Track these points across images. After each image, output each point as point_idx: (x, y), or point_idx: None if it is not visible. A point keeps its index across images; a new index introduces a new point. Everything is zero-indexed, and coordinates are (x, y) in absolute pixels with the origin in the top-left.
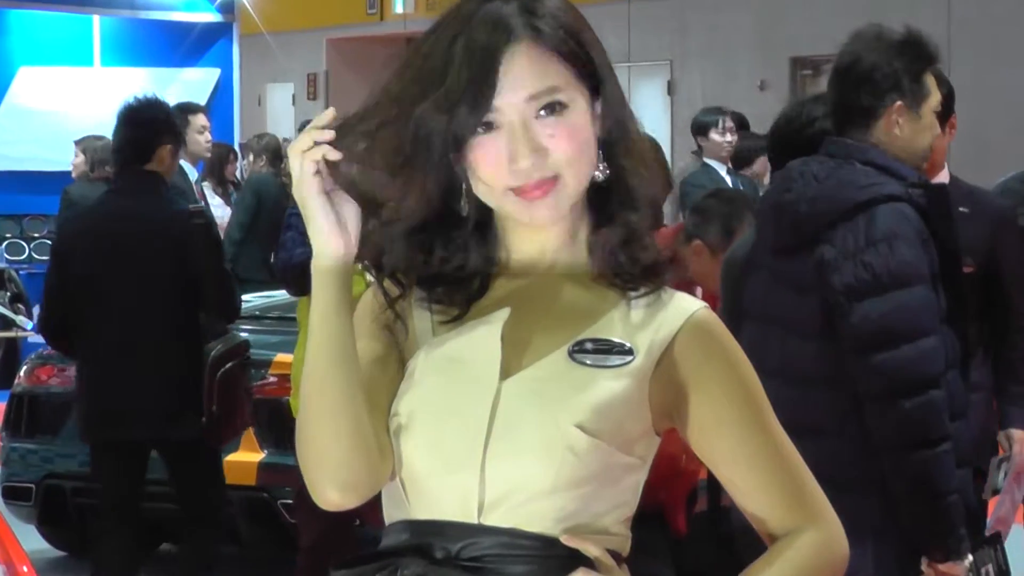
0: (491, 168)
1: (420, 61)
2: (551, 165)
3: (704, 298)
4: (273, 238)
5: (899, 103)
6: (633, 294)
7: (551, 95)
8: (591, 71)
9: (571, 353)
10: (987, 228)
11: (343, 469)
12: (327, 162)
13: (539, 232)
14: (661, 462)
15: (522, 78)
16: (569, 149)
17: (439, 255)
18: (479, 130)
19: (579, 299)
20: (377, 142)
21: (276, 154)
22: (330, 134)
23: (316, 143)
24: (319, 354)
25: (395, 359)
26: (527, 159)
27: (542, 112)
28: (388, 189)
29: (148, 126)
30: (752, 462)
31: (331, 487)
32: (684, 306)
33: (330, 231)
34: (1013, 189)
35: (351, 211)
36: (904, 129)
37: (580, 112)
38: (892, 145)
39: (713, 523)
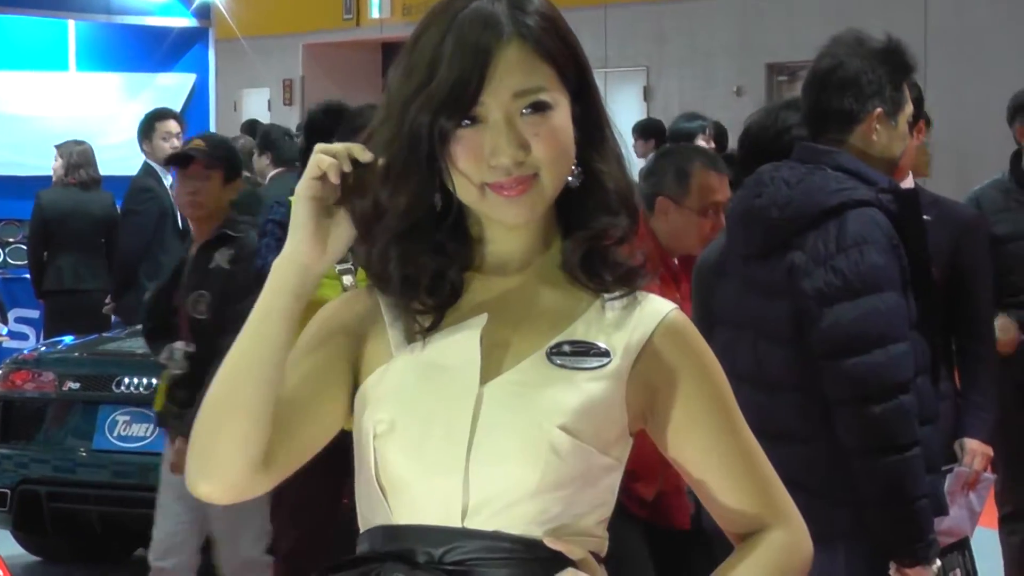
0: (471, 161)
1: (410, 59)
2: (531, 163)
3: (680, 259)
4: None
5: (879, 110)
6: (607, 296)
7: (537, 94)
8: (574, 74)
9: (549, 355)
10: (951, 236)
11: (225, 468)
12: (343, 177)
13: (512, 233)
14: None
15: (510, 75)
16: (550, 149)
17: (421, 260)
18: (464, 123)
19: (555, 301)
20: (373, 141)
21: (249, 157)
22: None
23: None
24: (248, 351)
25: (341, 374)
26: (508, 155)
27: (526, 110)
28: (382, 192)
29: None
30: (723, 463)
31: (206, 480)
32: (657, 308)
33: (307, 238)
34: (989, 197)
35: (340, 233)
36: (881, 136)
37: (563, 114)
38: (868, 151)
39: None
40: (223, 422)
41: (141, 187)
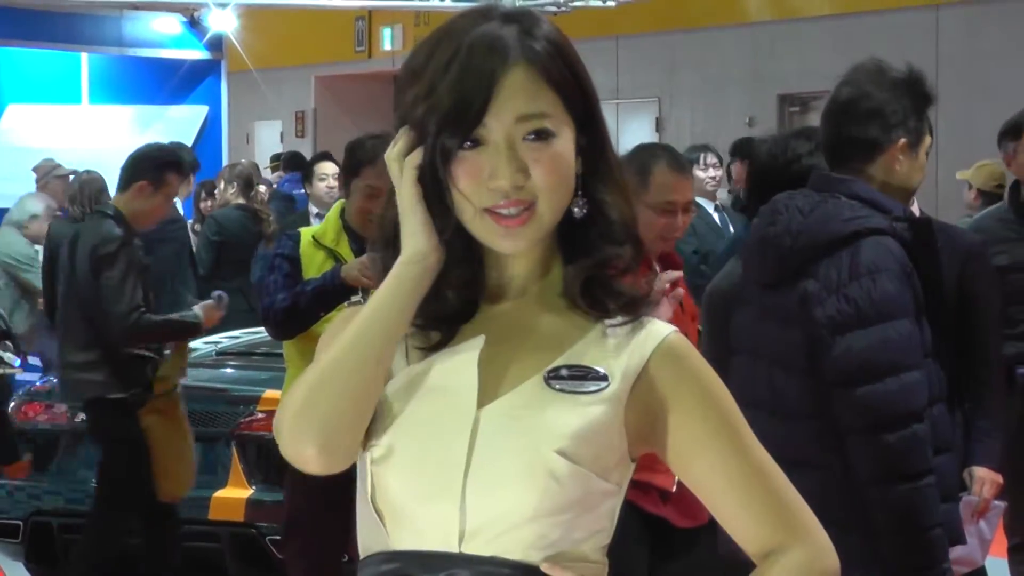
0: (471, 183)
1: (418, 77)
2: (529, 190)
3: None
4: (237, 272)
5: (903, 140)
6: (608, 321)
7: (540, 121)
8: (580, 103)
9: (547, 380)
10: (956, 263)
11: (339, 435)
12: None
13: (511, 259)
14: None
15: (514, 99)
16: (550, 178)
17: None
18: (466, 144)
19: (553, 326)
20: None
21: (248, 182)
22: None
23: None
24: (377, 329)
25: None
26: (506, 178)
27: (529, 136)
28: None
29: None
30: (731, 482)
31: (316, 445)
32: (656, 330)
33: (429, 233)
34: (986, 227)
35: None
36: (903, 166)
37: (565, 142)
38: (889, 180)
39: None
40: (341, 389)
41: (168, 218)
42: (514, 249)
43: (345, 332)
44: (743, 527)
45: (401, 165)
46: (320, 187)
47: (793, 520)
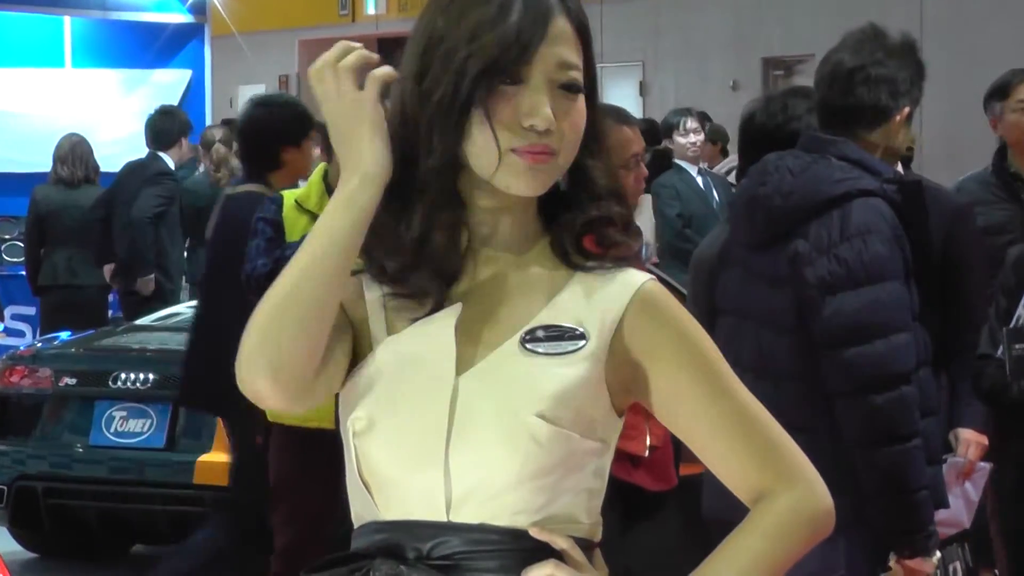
0: (509, 118)
1: (460, 9)
2: (555, 139)
3: None
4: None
5: (907, 108)
6: (582, 272)
7: (575, 72)
8: (590, 71)
9: (523, 342)
10: (942, 225)
11: (293, 365)
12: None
13: (497, 218)
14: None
15: (559, 45)
16: (573, 132)
17: (413, 231)
18: (508, 80)
19: (527, 286)
20: (405, 89)
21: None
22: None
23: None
24: (323, 256)
25: (347, 333)
26: (543, 116)
27: (563, 86)
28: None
29: None
30: (716, 427)
31: (266, 376)
32: (630, 280)
33: (387, 151)
34: (968, 189)
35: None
36: (900, 135)
37: (583, 103)
38: (889, 145)
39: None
40: (296, 319)
41: (159, 170)
42: (531, 189)
43: (296, 261)
44: (731, 471)
45: (354, 78)
46: None
47: (783, 462)
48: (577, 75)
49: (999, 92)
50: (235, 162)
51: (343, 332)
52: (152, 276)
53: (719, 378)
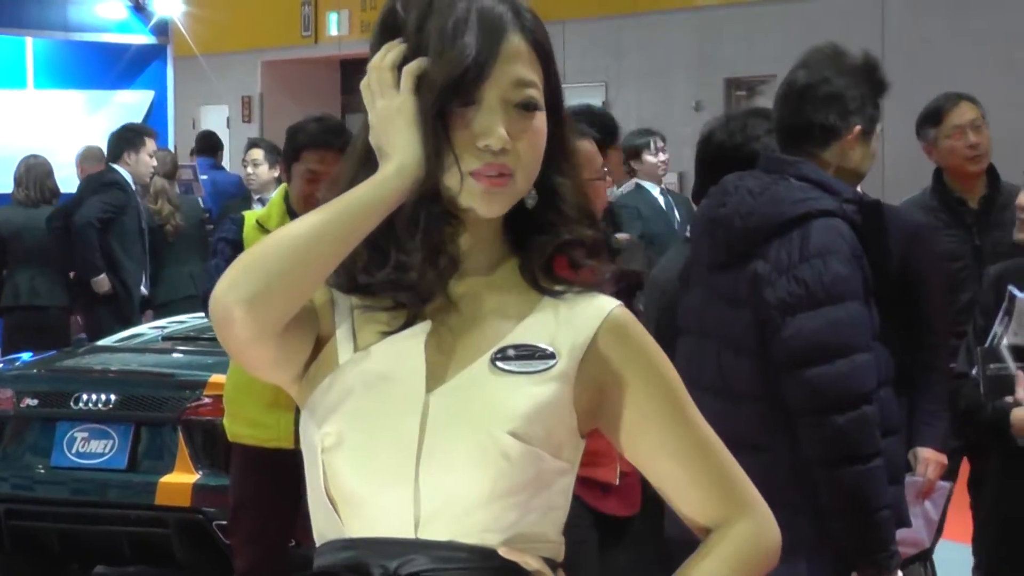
0: (464, 141)
1: (419, 35)
2: (512, 158)
3: None
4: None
5: (859, 127)
6: (551, 296)
7: (531, 90)
8: (552, 84)
9: (494, 360)
10: (900, 245)
11: (270, 300)
12: None
13: (465, 237)
14: None
15: (513, 64)
16: (531, 150)
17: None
18: (463, 102)
19: (499, 305)
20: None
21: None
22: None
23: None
24: (344, 218)
25: (312, 326)
26: (499, 139)
27: (519, 104)
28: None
29: None
30: (678, 457)
31: (243, 302)
32: (600, 305)
33: (421, 147)
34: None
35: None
36: (856, 153)
37: (542, 121)
38: (843, 166)
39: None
40: (289, 261)
41: (110, 180)
42: (491, 212)
43: (307, 216)
44: (689, 501)
45: (395, 75)
46: (245, 172)
47: (737, 494)
48: (533, 93)
49: (932, 118)
50: (173, 193)
51: (308, 328)
52: (103, 276)
53: (683, 408)
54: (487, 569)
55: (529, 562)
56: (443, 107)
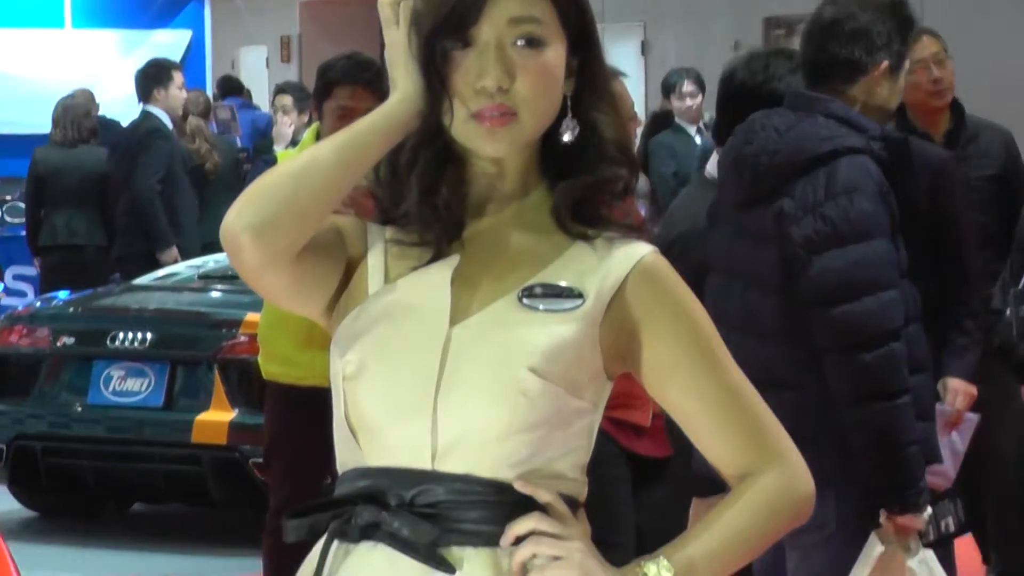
0: (461, 84)
1: None
2: (513, 95)
3: None
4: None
5: (886, 63)
6: (584, 240)
7: (531, 26)
8: (575, 18)
9: (520, 298)
10: (926, 180)
11: (279, 226)
12: None
13: (492, 173)
14: None
15: (509, 2)
16: (535, 86)
17: (415, 183)
18: (458, 45)
19: (529, 244)
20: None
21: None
22: None
23: None
24: (355, 146)
25: (341, 258)
26: (493, 78)
27: (519, 42)
28: None
29: None
30: (707, 403)
31: (250, 228)
32: (633, 251)
33: (413, 68)
34: None
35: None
36: (883, 89)
37: (555, 55)
38: (869, 102)
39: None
40: (295, 188)
41: (149, 128)
42: (496, 152)
43: (316, 145)
44: (718, 449)
45: (396, 12)
46: (276, 118)
47: (769, 443)
48: (534, 28)
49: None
50: (208, 132)
51: (333, 258)
52: (174, 248)
53: (714, 354)
54: (502, 503)
55: (542, 495)
56: (434, 48)
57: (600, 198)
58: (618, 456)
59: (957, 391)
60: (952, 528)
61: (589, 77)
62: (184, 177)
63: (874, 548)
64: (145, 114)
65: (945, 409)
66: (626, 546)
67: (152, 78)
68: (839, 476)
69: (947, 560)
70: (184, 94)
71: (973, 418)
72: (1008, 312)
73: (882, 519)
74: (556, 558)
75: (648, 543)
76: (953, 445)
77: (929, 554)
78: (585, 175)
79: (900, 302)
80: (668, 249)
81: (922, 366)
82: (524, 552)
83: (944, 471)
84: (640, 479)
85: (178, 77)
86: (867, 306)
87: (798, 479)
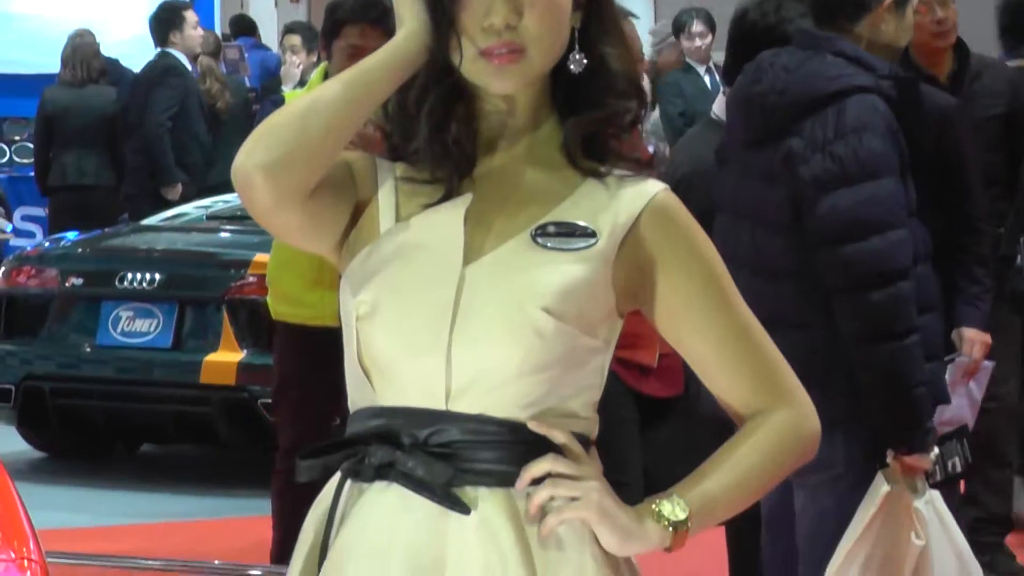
0: (469, 22)
1: None
2: (521, 32)
3: None
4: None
5: (890, 1)
6: (596, 177)
7: None
8: None
9: (534, 236)
10: (933, 124)
11: (290, 165)
12: None
13: (503, 110)
14: None
15: None
16: (543, 22)
17: (425, 120)
18: None
19: (542, 181)
20: None
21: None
22: None
23: None
24: (362, 82)
25: (350, 196)
26: (500, 15)
27: None
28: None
29: None
30: (718, 341)
31: (261, 166)
32: (646, 189)
33: (418, 5)
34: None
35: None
36: (889, 26)
37: None
38: (875, 40)
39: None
40: (303, 125)
41: (165, 66)
42: (504, 89)
43: (331, 80)
44: (728, 387)
45: None
46: (285, 58)
47: (778, 382)
48: None
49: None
50: (219, 71)
51: (343, 195)
52: (178, 184)
53: (725, 293)
54: (516, 443)
55: (557, 436)
56: None
57: (609, 131)
58: (625, 396)
59: (974, 341)
60: (959, 468)
61: (596, 9)
62: (199, 116)
63: (880, 488)
64: (162, 53)
65: (963, 359)
66: (634, 486)
67: (166, 22)
68: (847, 416)
69: (952, 500)
70: (200, 32)
71: (988, 365)
72: (1019, 259)
73: (889, 459)
74: (573, 498)
75: (655, 482)
76: (971, 394)
77: (935, 494)
78: (594, 109)
79: (909, 242)
80: (672, 190)
81: (931, 306)
82: (542, 495)
83: (961, 418)
84: (646, 418)
85: (191, 17)
86: (875, 245)
87: (805, 418)
